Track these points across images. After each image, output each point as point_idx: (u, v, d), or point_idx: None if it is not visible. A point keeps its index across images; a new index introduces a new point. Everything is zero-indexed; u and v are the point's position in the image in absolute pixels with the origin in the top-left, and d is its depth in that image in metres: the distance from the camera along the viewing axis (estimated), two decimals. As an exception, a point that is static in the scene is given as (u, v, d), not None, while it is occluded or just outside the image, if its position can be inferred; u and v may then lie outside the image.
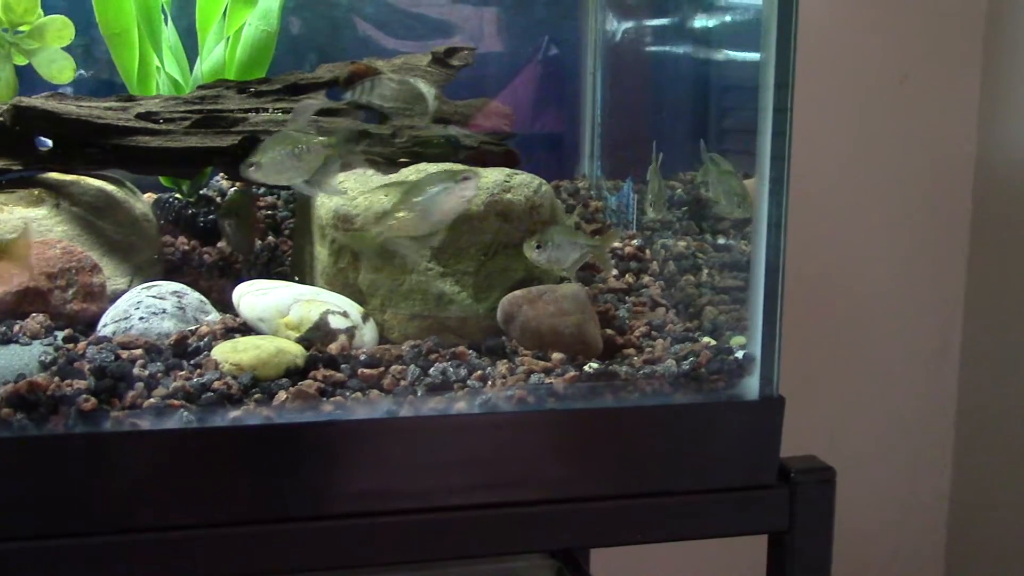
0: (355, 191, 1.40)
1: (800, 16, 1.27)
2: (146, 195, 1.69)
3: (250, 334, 1.31)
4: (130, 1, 1.51)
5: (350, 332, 1.32)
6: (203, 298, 1.36)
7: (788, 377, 1.32)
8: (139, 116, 1.44)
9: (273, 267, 1.59)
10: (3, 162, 1.44)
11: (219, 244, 1.60)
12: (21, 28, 1.28)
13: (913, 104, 2.28)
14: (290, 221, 1.71)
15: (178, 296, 1.33)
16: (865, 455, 2.31)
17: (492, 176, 1.39)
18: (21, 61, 1.30)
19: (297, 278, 1.50)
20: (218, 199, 1.67)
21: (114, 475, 1.12)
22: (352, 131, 1.38)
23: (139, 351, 1.22)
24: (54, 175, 1.49)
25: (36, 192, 1.43)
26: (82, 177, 1.50)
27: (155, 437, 1.12)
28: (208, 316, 1.34)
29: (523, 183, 1.39)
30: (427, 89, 1.51)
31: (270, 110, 1.47)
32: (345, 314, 1.33)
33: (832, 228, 2.27)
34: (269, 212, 1.71)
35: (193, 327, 1.30)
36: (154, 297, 1.31)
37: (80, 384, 1.13)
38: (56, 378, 1.14)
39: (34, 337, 1.25)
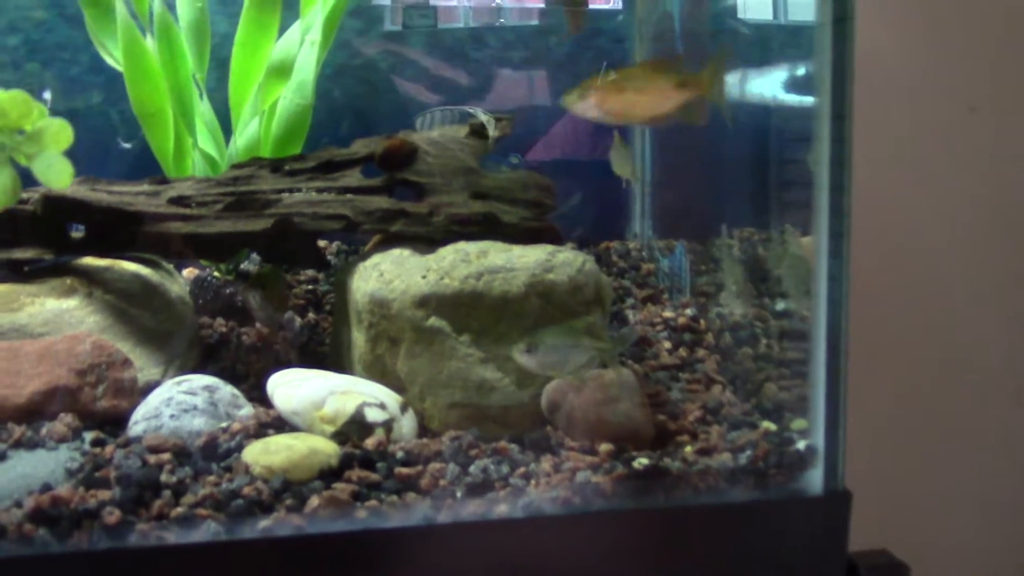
0: (390, 274, 1.34)
1: (862, 48, 1.19)
2: (186, 271, 1.66)
3: (285, 429, 1.26)
4: (163, 81, 1.48)
5: (388, 425, 1.26)
6: (236, 391, 1.31)
7: (859, 434, 1.22)
8: (171, 201, 1.41)
9: (312, 346, 1.54)
10: (34, 252, 1.41)
11: (256, 325, 1.55)
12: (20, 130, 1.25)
13: (983, 135, 2.16)
14: (331, 296, 1.66)
15: (210, 391, 1.29)
16: (946, 513, 2.18)
17: (533, 255, 1.33)
18: (24, 162, 1.27)
19: (327, 365, 1.45)
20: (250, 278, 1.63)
21: (140, 592, 1.07)
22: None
23: (167, 455, 1.17)
24: (87, 261, 1.46)
25: (68, 281, 1.40)
26: (116, 261, 1.47)
27: (181, 552, 1.07)
28: (241, 411, 1.29)
29: (566, 262, 1.33)
30: (487, 119, 1.45)
31: (303, 190, 1.42)
32: (382, 406, 1.27)
33: (899, 268, 2.15)
34: (310, 287, 1.67)
35: (225, 424, 1.25)
36: (185, 393, 1.27)
37: (105, 495, 1.09)
38: (80, 489, 1.10)
39: (61, 440, 1.21)
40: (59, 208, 1.37)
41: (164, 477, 1.13)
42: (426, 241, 1.39)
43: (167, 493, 1.11)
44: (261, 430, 1.25)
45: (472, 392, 1.30)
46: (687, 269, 1.66)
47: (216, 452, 1.20)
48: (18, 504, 1.08)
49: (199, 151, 1.57)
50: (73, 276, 1.42)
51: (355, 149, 1.48)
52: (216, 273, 1.61)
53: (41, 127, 1.25)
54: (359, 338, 1.36)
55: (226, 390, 1.30)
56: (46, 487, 1.10)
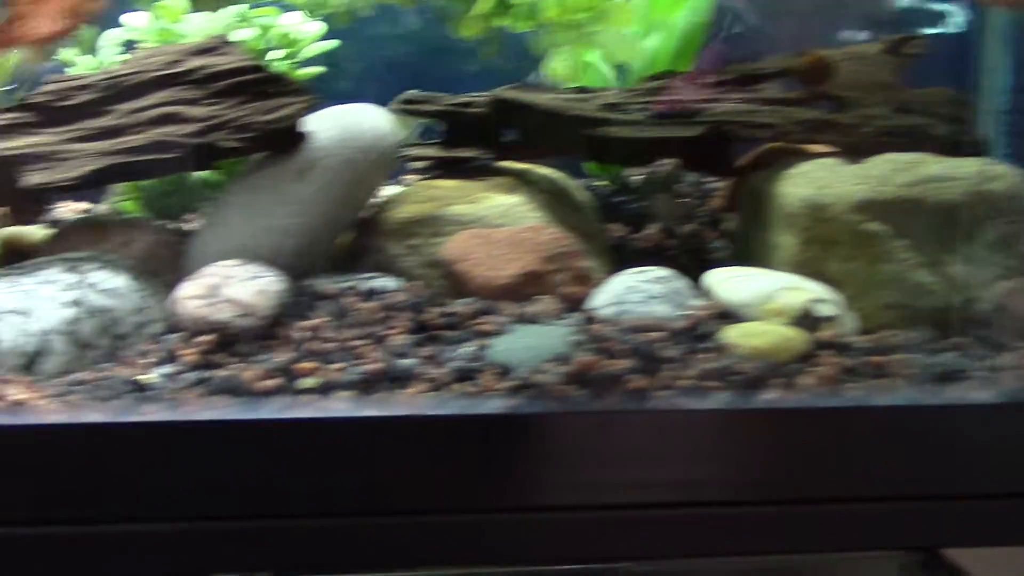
0: (823, 181, 1.41)
1: None
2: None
3: (735, 320, 1.35)
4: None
5: (835, 320, 1.34)
6: (689, 284, 1.40)
7: None
8: (603, 107, 1.50)
9: (702, 254, 1.63)
10: (474, 151, 1.52)
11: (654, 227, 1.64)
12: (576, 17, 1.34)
13: None
14: (700, 209, 1.74)
15: (663, 282, 1.38)
16: None
17: (968, 166, 1.39)
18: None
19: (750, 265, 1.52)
20: (638, 186, 1.72)
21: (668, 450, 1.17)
22: None
23: (655, 334, 1.27)
24: (508, 164, 1.56)
25: (508, 180, 1.50)
26: (531, 166, 1.57)
27: (699, 415, 1.17)
28: (692, 301, 1.38)
29: (1001, 173, 1.38)
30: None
31: (727, 102, 1.50)
32: (828, 302, 1.35)
33: None
34: (683, 199, 1.75)
35: (686, 312, 1.34)
36: (646, 282, 1.36)
37: (623, 364, 1.19)
38: (601, 357, 1.20)
39: (551, 318, 1.31)
40: (509, 109, 1.47)
41: (660, 353, 1.23)
42: (842, 153, 1.46)
43: (668, 366, 1.21)
44: (719, 319, 1.34)
45: (907, 294, 1.37)
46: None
47: (694, 334, 1.29)
48: (539, 370, 1.19)
49: (596, 66, 1.66)
50: (506, 177, 1.52)
51: (768, 64, 1.55)
52: (605, 183, 1.71)
53: (608, 8, 1.33)
54: (787, 241, 1.44)
55: (679, 282, 1.39)
56: (563, 357, 1.20)
